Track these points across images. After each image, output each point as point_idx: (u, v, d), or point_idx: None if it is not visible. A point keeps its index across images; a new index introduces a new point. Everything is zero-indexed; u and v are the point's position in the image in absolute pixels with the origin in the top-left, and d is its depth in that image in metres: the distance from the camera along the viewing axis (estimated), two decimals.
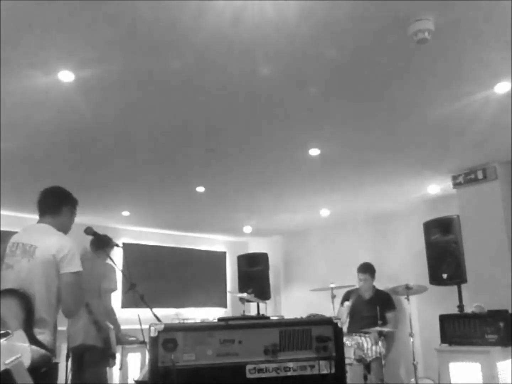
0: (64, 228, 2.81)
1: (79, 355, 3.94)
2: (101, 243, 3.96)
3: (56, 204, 2.79)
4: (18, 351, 2.18)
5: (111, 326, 4.08)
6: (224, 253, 8.54)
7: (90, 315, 3.85)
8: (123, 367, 6.42)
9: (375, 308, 5.46)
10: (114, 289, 4.25)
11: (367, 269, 5.98)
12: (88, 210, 6.19)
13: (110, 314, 4.13)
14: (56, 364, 2.55)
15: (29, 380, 2.13)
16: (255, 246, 8.48)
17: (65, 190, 2.91)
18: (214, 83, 3.15)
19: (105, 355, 3.85)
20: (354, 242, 6.90)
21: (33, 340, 2.34)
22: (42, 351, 2.34)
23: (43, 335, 2.42)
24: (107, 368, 4.01)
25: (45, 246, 2.56)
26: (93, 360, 3.83)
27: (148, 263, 7.33)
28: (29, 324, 2.38)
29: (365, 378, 4.82)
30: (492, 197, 4.82)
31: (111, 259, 3.67)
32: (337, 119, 3.79)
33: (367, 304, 5.84)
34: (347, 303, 5.93)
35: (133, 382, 5.55)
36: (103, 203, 6.05)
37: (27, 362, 2.22)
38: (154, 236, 7.70)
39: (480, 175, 4.88)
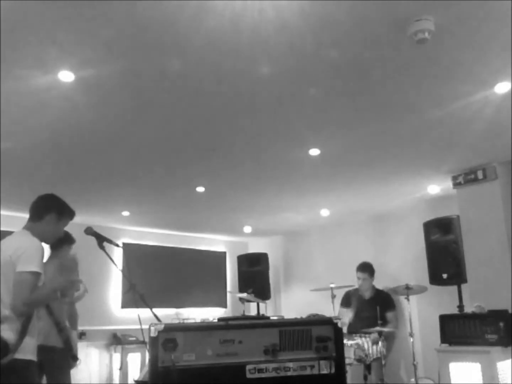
0: (46, 236, 2.80)
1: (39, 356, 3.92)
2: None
3: (38, 210, 2.80)
4: None
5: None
6: (224, 253, 8.54)
7: (51, 316, 3.84)
8: (123, 367, 6.43)
9: (375, 308, 5.47)
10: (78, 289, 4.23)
11: (366, 268, 5.98)
12: (88, 210, 6.20)
13: (76, 315, 4.09)
14: (22, 361, 2.50)
15: None
16: (255, 246, 8.48)
17: (57, 198, 2.89)
18: (214, 83, 3.15)
19: (65, 357, 3.83)
20: (354, 242, 6.90)
21: None
22: (1, 345, 2.39)
23: (7, 332, 2.46)
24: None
25: (4, 248, 2.61)
26: (53, 361, 3.81)
27: (148, 263, 7.33)
28: None
29: (365, 378, 4.82)
30: (492, 197, 4.82)
31: (110, 258, 3.66)
32: (337, 119, 3.79)
33: (367, 304, 5.84)
34: (349, 310, 5.93)
35: (133, 382, 5.55)
36: (103, 203, 6.05)
37: None
38: (154, 236, 7.70)
39: (480, 175, 4.88)
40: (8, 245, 2.64)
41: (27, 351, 2.54)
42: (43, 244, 2.75)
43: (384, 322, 5.46)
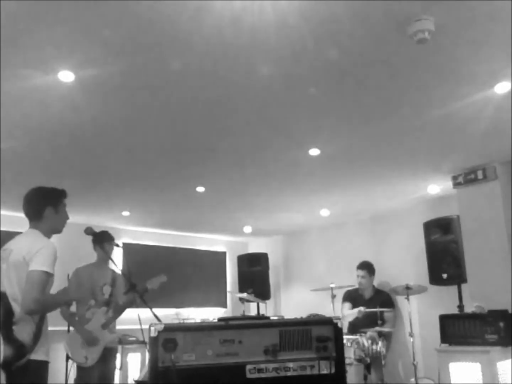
0: (53, 228, 2.83)
1: None
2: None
3: (36, 210, 2.79)
4: None
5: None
6: (224, 253, 8.54)
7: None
8: (123, 367, 6.42)
9: (375, 307, 5.46)
10: None
11: (366, 266, 6.01)
12: (88, 210, 6.20)
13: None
14: (37, 362, 2.52)
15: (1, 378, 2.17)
16: (255, 246, 8.48)
17: (44, 190, 2.87)
18: (214, 83, 3.15)
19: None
20: (354, 242, 6.90)
21: (8, 338, 2.42)
22: (17, 347, 2.41)
23: (21, 333, 2.47)
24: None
25: (18, 248, 2.62)
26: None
27: (148, 263, 7.32)
28: (7, 323, 2.45)
29: (365, 378, 4.82)
30: (492, 197, 4.82)
31: (110, 258, 3.68)
32: (337, 119, 3.79)
33: (367, 304, 5.84)
34: (349, 305, 5.93)
35: (133, 382, 5.56)
36: (103, 203, 6.05)
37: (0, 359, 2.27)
38: (154, 236, 7.70)
39: (480, 175, 4.88)
40: (20, 245, 2.65)
41: (41, 352, 2.56)
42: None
43: (382, 322, 5.46)
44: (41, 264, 2.54)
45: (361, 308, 5.62)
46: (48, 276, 2.56)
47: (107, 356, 4.08)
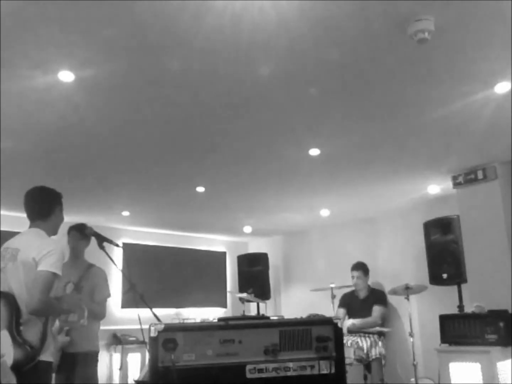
0: (56, 229, 2.85)
1: None
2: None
3: (46, 208, 2.80)
4: (1, 351, 2.22)
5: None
6: (224, 253, 8.54)
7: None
8: (123, 367, 6.43)
9: (371, 307, 5.47)
10: None
11: (359, 267, 6.00)
12: (88, 210, 6.20)
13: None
14: (45, 363, 2.53)
15: (12, 379, 2.16)
16: (255, 246, 8.48)
17: (52, 189, 2.88)
18: (214, 83, 3.15)
19: None
20: (354, 242, 6.90)
21: (17, 339, 2.41)
22: (27, 349, 2.41)
23: (29, 334, 2.47)
24: None
25: (27, 249, 2.61)
26: None
27: (148, 263, 7.33)
28: (15, 324, 2.44)
29: (365, 378, 4.82)
30: (492, 197, 4.82)
31: (110, 258, 3.65)
32: (337, 119, 3.79)
33: (363, 304, 5.85)
34: (343, 311, 5.93)
35: (133, 382, 5.55)
36: (103, 203, 6.05)
37: (9, 361, 2.26)
38: (154, 236, 7.70)
39: (480, 175, 4.88)
40: (27, 245, 2.62)
41: (48, 353, 2.57)
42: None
43: (382, 322, 5.46)
44: (51, 265, 2.54)
45: (354, 322, 5.53)
46: (55, 277, 2.56)
47: (74, 361, 3.83)
